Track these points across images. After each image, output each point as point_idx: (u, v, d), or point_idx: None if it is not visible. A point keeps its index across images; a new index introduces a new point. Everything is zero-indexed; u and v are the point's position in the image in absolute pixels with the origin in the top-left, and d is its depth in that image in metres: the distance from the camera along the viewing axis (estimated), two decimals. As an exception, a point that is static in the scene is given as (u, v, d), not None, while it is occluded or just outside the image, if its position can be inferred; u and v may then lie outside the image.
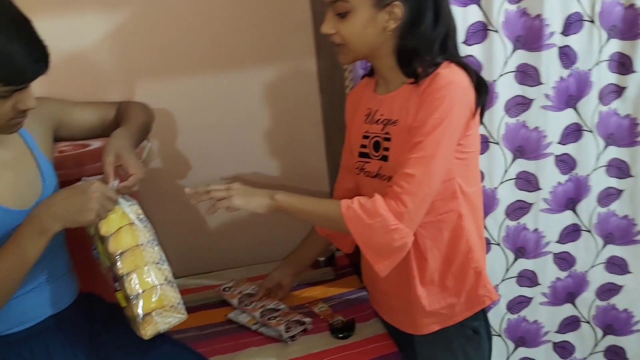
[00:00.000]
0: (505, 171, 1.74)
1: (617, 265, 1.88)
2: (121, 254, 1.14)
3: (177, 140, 1.95)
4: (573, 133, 1.73)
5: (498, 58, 1.63)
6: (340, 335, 1.46)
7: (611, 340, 1.98)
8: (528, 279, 1.86)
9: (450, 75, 1.15)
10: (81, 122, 1.37)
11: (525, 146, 1.71)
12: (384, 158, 1.25)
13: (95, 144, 1.58)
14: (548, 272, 1.87)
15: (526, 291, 1.88)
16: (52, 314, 1.23)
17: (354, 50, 1.21)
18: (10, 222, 1.10)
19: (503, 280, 1.86)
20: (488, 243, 1.79)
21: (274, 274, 1.64)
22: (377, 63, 1.27)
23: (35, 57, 1.03)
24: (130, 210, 1.18)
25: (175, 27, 1.85)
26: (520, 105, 1.68)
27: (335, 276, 1.82)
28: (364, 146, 1.31)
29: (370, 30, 1.17)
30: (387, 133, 1.25)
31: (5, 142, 1.18)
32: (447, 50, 1.20)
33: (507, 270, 1.85)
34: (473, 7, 1.58)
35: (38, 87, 1.10)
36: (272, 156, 2.08)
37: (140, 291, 1.14)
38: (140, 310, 1.14)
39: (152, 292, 1.15)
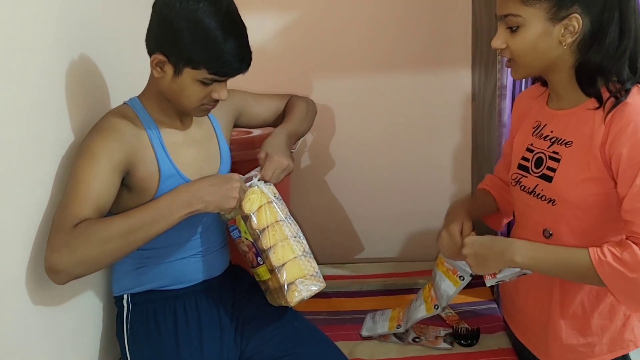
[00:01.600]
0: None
1: None
2: (263, 229, 1.26)
3: (328, 136, 2.07)
4: None
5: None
6: (464, 343, 1.47)
7: None
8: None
9: None
10: (258, 114, 1.55)
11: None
12: (545, 177, 1.19)
13: (256, 131, 1.75)
14: None
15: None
16: (205, 279, 1.39)
17: (524, 65, 1.14)
18: None
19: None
20: None
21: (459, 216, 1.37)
22: (552, 78, 1.18)
23: (241, 57, 1.19)
24: (267, 190, 1.29)
25: (342, 28, 1.98)
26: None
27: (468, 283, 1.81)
28: (525, 159, 1.27)
29: (543, 45, 1.09)
30: (555, 152, 1.18)
31: (199, 123, 1.38)
32: (638, 72, 1.10)
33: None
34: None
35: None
36: (418, 159, 2.13)
37: (283, 262, 1.26)
38: (284, 279, 1.25)
39: (293, 263, 1.27)
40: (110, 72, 1.45)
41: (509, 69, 1.20)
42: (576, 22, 1.05)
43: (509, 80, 1.61)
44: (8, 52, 0.99)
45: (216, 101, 1.26)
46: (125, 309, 1.34)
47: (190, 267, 1.37)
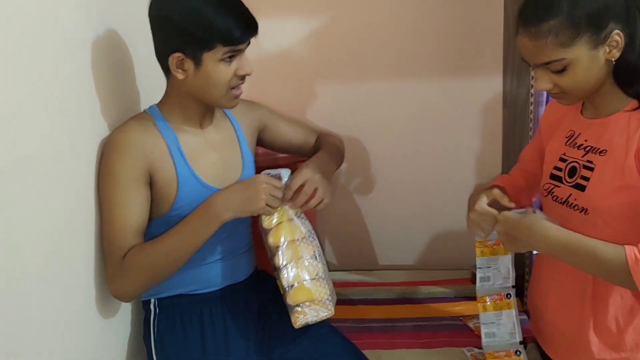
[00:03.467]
0: None
1: None
2: (278, 247, 1.27)
3: (355, 141, 2.06)
4: None
5: None
6: (487, 354, 1.44)
7: None
8: None
9: None
10: (284, 133, 1.55)
11: None
12: (579, 186, 1.17)
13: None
14: None
15: None
16: (230, 283, 1.40)
17: (578, 96, 1.14)
18: (206, 196, 1.28)
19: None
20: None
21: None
22: (596, 91, 1.16)
23: (246, 21, 1.22)
24: (289, 207, 1.28)
25: (375, 32, 1.97)
26: None
27: (494, 295, 1.79)
28: (558, 169, 1.25)
29: (594, 71, 1.09)
30: (589, 161, 1.17)
31: (218, 126, 1.38)
32: None
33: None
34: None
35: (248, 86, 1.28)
36: (447, 165, 2.11)
37: (291, 284, 1.26)
38: (290, 301, 1.26)
39: (302, 286, 1.26)
40: (142, 74, 1.48)
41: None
42: (617, 36, 1.05)
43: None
44: (42, 54, 1.01)
45: (243, 78, 1.27)
46: (153, 313, 1.36)
47: (216, 271, 1.38)
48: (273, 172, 1.28)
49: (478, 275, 1.36)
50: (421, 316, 1.69)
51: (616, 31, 1.04)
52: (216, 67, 1.21)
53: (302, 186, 1.28)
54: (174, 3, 1.19)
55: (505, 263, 1.34)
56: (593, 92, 1.14)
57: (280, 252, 1.26)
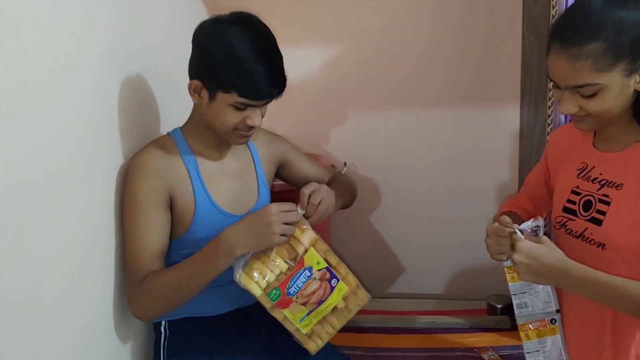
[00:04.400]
0: None
1: None
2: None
3: (373, 167, 2.07)
4: None
5: None
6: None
7: None
8: None
9: None
10: (302, 170, 1.56)
11: None
12: (595, 220, 1.15)
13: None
14: None
15: None
16: (240, 306, 1.39)
17: (601, 121, 1.11)
18: (223, 222, 1.29)
19: None
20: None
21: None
22: (612, 123, 1.14)
23: (272, 81, 1.21)
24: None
25: (391, 63, 1.99)
26: None
27: (511, 326, 1.76)
28: (571, 202, 1.23)
29: (623, 99, 1.07)
30: (605, 195, 1.15)
31: (236, 154, 1.39)
32: None
33: None
34: None
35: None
36: (464, 194, 2.10)
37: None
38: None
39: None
40: (164, 99, 1.51)
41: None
42: None
43: (561, 117, 1.57)
44: (64, 73, 1.02)
45: (251, 128, 1.27)
46: (163, 335, 1.36)
47: (227, 294, 1.36)
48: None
49: (515, 302, 1.27)
50: (434, 346, 1.66)
51: None
52: (226, 109, 1.22)
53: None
54: (214, 31, 1.20)
55: (544, 286, 1.27)
56: (614, 121, 1.12)
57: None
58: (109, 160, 1.23)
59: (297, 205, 1.26)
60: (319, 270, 1.27)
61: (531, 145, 1.88)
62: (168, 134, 1.34)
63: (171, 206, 1.27)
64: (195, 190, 1.29)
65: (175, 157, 1.29)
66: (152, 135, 1.39)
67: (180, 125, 1.35)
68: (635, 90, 1.06)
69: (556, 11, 1.52)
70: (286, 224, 1.19)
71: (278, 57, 1.23)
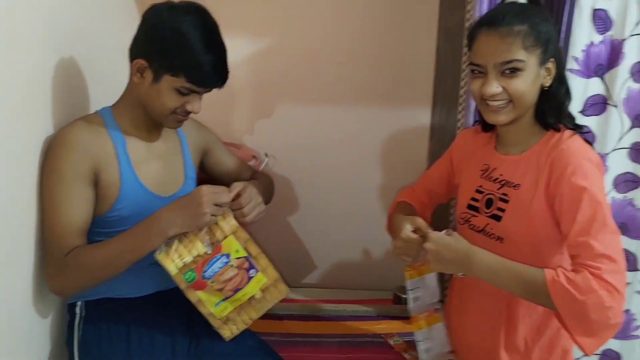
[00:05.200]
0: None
1: None
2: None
3: (294, 161, 2.12)
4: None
5: (613, 133, 1.65)
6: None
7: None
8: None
9: (580, 150, 1.19)
10: (224, 162, 1.62)
11: (629, 224, 1.70)
12: (495, 217, 1.28)
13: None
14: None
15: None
16: (160, 289, 1.40)
17: (519, 107, 1.21)
18: (148, 202, 1.31)
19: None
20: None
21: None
22: (516, 123, 1.27)
23: (219, 71, 1.27)
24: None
25: (315, 60, 2.05)
26: (630, 182, 1.68)
27: (414, 314, 1.87)
28: (475, 200, 1.35)
29: (535, 87, 1.20)
30: (504, 194, 1.28)
31: (165, 137, 1.42)
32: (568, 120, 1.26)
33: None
34: (595, 80, 1.62)
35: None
36: (373, 192, 2.20)
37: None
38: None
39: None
40: (93, 78, 1.49)
41: (478, 111, 1.28)
42: (552, 64, 1.20)
43: (470, 119, 1.70)
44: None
45: (188, 113, 1.31)
46: (78, 316, 1.34)
47: (147, 277, 1.37)
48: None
49: (410, 297, 1.40)
50: (345, 333, 1.74)
51: (552, 60, 1.19)
52: (169, 92, 1.25)
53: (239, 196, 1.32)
54: (169, 18, 1.22)
55: (432, 280, 1.40)
56: (524, 113, 1.24)
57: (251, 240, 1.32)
58: (32, 135, 1.19)
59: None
60: (238, 258, 1.31)
61: (441, 146, 2.01)
62: (96, 112, 1.33)
63: (96, 183, 1.26)
64: (121, 169, 1.29)
65: (103, 134, 1.28)
66: (79, 114, 1.35)
67: (109, 105, 1.34)
68: (541, 88, 1.21)
69: (470, 23, 1.65)
70: (217, 205, 1.23)
71: (224, 51, 1.28)
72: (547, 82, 1.21)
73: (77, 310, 1.34)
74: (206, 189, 1.24)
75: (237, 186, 1.31)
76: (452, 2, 1.89)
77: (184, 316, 1.41)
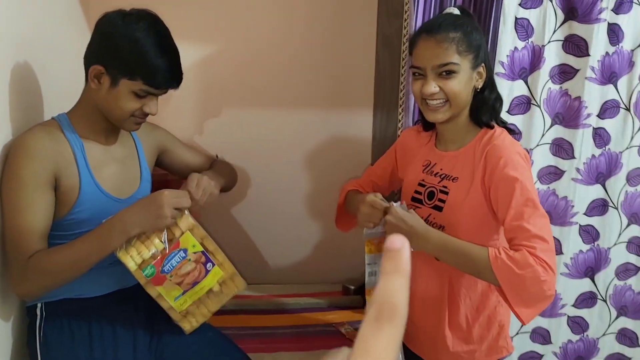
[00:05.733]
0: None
1: (627, 337, 1.99)
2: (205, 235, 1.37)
3: (241, 163, 2.17)
4: (598, 208, 1.89)
5: (537, 130, 1.82)
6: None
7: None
8: (541, 335, 1.99)
9: (509, 144, 1.32)
10: (182, 157, 1.66)
11: (553, 212, 1.87)
12: (437, 207, 1.39)
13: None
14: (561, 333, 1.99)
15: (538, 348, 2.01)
16: (120, 288, 1.44)
17: (455, 106, 1.32)
18: (107, 204, 1.35)
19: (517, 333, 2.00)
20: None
21: None
22: (453, 122, 1.37)
23: (174, 73, 1.33)
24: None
25: (260, 65, 2.13)
26: (552, 174, 1.86)
27: (363, 304, 1.99)
28: (418, 192, 1.45)
29: (467, 89, 1.31)
30: (444, 187, 1.39)
31: (122, 142, 1.46)
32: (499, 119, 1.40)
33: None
34: (519, 82, 1.79)
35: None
36: (320, 192, 2.29)
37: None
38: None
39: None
40: (48, 84, 1.51)
41: (422, 112, 1.40)
42: (482, 69, 1.33)
43: (410, 122, 1.83)
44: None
45: (146, 115, 1.36)
46: (38, 317, 1.35)
47: (106, 276, 1.41)
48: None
49: (367, 271, 1.45)
50: (298, 324, 1.83)
51: (483, 65, 1.32)
52: (127, 95, 1.29)
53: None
54: (124, 25, 1.26)
55: None
56: (460, 112, 1.36)
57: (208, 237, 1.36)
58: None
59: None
60: (195, 253, 1.36)
61: (383, 148, 2.13)
62: (53, 118, 1.36)
63: (56, 188, 1.29)
64: (80, 173, 1.32)
65: (61, 140, 1.32)
66: (35, 120, 1.39)
67: (65, 112, 1.38)
68: (474, 89, 1.33)
69: (407, 31, 1.79)
70: (177, 209, 1.29)
71: (177, 53, 1.35)
72: (479, 84, 1.33)
73: (38, 311, 1.35)
74: (168, 193, 1.28)
75: (193, 178, 1.38)
76: (390, 12, 2.03)
77: (144, 313, 1.45)
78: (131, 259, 1.30)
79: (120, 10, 1.31)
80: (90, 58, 1.30)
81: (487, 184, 1.30)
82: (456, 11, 1.37)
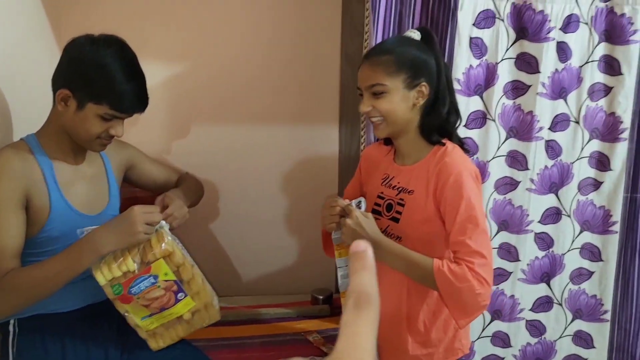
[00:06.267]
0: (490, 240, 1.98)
1: (583, 339, 2.09)
2: (182, 262, 1.40)
3: (211, 177, 2.23)
4: (552, 216, 1.99)
5: (493, 143, 1.91)
6: None
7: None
8: (501, 339, 2.08)
9: (460, 162, 1.39)
10: (149, 172, 1.72)
11: (509, 221, 1.97)
12: (395, 219, 1.46)
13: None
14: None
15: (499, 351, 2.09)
16: (92, 302, 1.48)
17: (392, 123, 1.40)
18: (77, 221, 1.39)
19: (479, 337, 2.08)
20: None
21: None
22: (403, 138, 1.45)
23: (140, 98, 1.38)
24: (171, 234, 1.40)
25: (226, 82, 2.18)
26: (508, 185, 1.95)
27: (330, 313, 2.06)
28: (377, 205, 1.52)
29: (403, 106, 1.38)
30: (401, 199, 1.46)
31: (90, 161, 1.51)
32: (454, 135, 1.47)
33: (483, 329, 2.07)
34: (475, 98, 1.88)
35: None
36: (290, 204, 2.35)
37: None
38: (212, 293, 1.48)
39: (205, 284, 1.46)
40: (17, 105, 1.55)
41: (372, 129, 1.48)
42: (424, 88, 1.39)
43: (372, 136, 1.91)
44: None
45: (112, 137, 1.41)
46: (11, 334, 1.39)
47: (78, 291, 1.44)
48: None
49: (339, 274, 1.51)
50: (267, 333, 1.88)
51: (424, 84, 1.39)
52: (93, 119, 1.34)
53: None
54: (91, 51, 1.31)
55: None
56: (402, 128, 1.42)
57: (186, 264, 1.38)
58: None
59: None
60: (166, 281, 1.36)
61: (348, 161, 2.21)
62: (22, 139, 1.40)
63: (27, 207, 1.34)
64: (50, 192, 1.37)
65: (30, 160, 1.36)
66: (3, 142, 1.42)
67: (33, 132, 1.42)
68: (416, 107, 1.40)
69: (366, 49, 1.86)
70: (148, 224, 1.32)
71: (144, 79, 1.40)
72: (420, 102, 1.40)
73: (10, 327, 1.39)
74: (138, 209, 1.31)
75: (159, 201, 1.45)
76: (352, 31, 2.11)
77: (115, 327, 1.49)
78: (101, 274, 1.32)
79: (89, 35, 1.35)
80: (58, 81, 1.35)
81: (438, 198, 1.38)
82: (415, 34, 1.44)
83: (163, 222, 1.38)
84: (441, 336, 1.49)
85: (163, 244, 1.34)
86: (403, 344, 1.50)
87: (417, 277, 1.39)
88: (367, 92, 1.40)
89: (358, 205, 1.45)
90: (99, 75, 1.31)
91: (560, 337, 2.10)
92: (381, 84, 1.37)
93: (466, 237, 1.32)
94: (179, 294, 1.38)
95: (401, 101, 1.39)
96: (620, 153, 1.94)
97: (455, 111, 1.46)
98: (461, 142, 1.48)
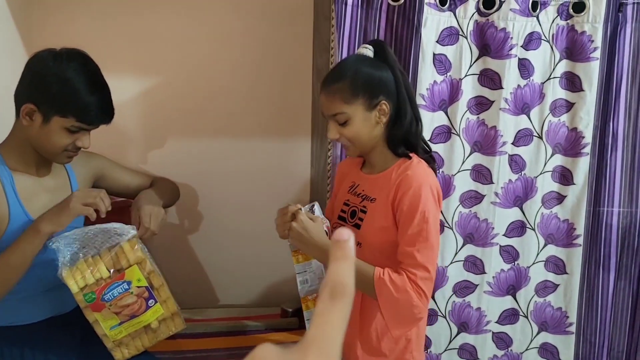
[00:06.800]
0: (456, 253, 2.01)
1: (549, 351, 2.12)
2: (153, 270, 1.43)
3: (186, 190, 2.24)
4: (517, 229, 2.02)
5: (457, 157, 1.95)
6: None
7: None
8: (468, 352, 2.10)
9: (423, 175, 1.41)
10: (120, 179, 1.73)
11: (475, 234, 2.00)
12: (357, 225, 1.49)
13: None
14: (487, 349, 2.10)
15: (467, 363, 2.11)
16: (53, 315, 1.49)
17: (359, 146, 1.44)
18: None
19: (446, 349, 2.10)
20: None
21: None
22: (373, 152, 1.48)
23: (105, 109, 1.41)
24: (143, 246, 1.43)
25: (198, 96, 2.20)
26: (473, 198, 1.98)
27: (299, 326, 2.07)
28: (343, 211, 1.56)
29: (368, 128, 1.41)
30: (364, 206, 1.49)
31: (54, 173, 1.52)
32: (419, 147, 1.49)
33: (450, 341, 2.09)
34: (440, 113, 1.92)
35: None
36: (262, 217, 2.34)
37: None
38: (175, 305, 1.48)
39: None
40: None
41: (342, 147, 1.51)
42: (384, 106, 1.41)
43: (337, 150, 1.94)
44: None
45: (78, 149, 1.43)
46: None
47: (40, 303, 1.46)
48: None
49: (298, 280, 1.53)
50: (235, 346, 1.89)
51: (384, 102, 1.41)
52: (60, 132, 1.37)
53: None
54: (54, 65, 1.33)
55: (318, 265, 1.54)
56: (371, 147, 1.46)
57: (155, 273, 1.41)
58: None
59: (131, 225, 1.42)
60: (139, 287, 1.39)
61: (318, 173, 2.24)
62: None
63: None
64: (10, 204, 1.38)
65: None
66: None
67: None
68: (380, 124, 1.42)
69: (333, 65, 1.90)
70: (86, 205, 1.37)
71: (108, 91, 1.43)
72: (383, 120, 1.42)
73: None
74: (77, 192, 1.41)
75: (145, 213, 1.50)
76: (320, 46, 2.14)
77: (79, 338, 1.50)
78: (74, 282, 1.33)
79: (51, 49, 1.38)
80: (22, 96, 1.37)
81: (396, 208, 1.41)
82: (367, 50, 1.45)
83: (134, 231, 1.41)
84: (392, 346, 1.50)
85: (137, 251, 1.38)
86: (355, 352, 1.52)
87: (358, 284, 1.39)
88: (331, 119, 1.43)
89: (311, 209, 1.48)
90: (64, 89, 1.33)
91: (526, 350, 2.12)
92: (341, 112, 1.40)
93: (414, 249, 1.34)
94: (150, 301, 1.41)
95: (364, 124, 1.41)
96: (582, 167, 1.98)
97: (416, 119, 1.47)
98: (427, 151, 1.50)
